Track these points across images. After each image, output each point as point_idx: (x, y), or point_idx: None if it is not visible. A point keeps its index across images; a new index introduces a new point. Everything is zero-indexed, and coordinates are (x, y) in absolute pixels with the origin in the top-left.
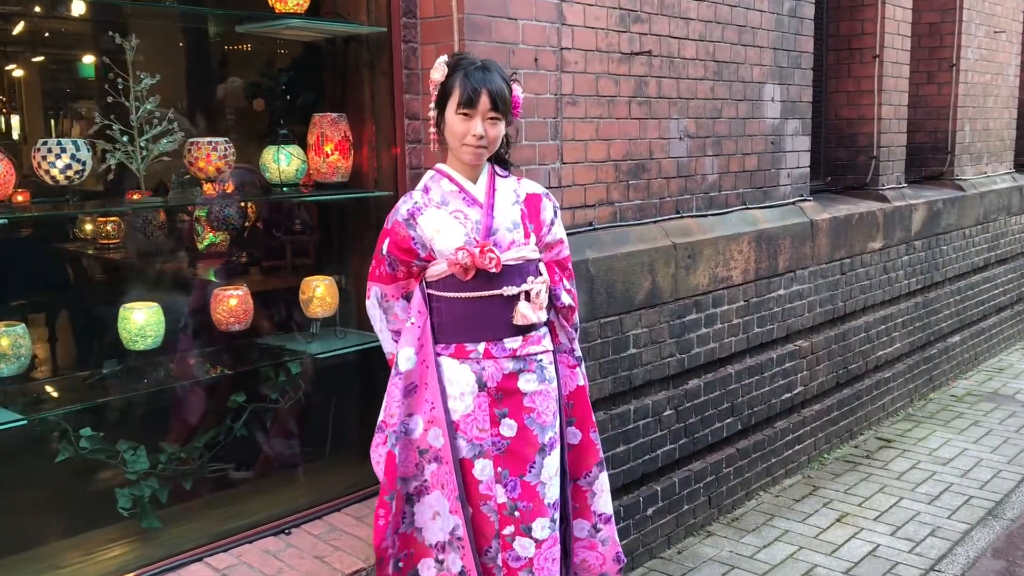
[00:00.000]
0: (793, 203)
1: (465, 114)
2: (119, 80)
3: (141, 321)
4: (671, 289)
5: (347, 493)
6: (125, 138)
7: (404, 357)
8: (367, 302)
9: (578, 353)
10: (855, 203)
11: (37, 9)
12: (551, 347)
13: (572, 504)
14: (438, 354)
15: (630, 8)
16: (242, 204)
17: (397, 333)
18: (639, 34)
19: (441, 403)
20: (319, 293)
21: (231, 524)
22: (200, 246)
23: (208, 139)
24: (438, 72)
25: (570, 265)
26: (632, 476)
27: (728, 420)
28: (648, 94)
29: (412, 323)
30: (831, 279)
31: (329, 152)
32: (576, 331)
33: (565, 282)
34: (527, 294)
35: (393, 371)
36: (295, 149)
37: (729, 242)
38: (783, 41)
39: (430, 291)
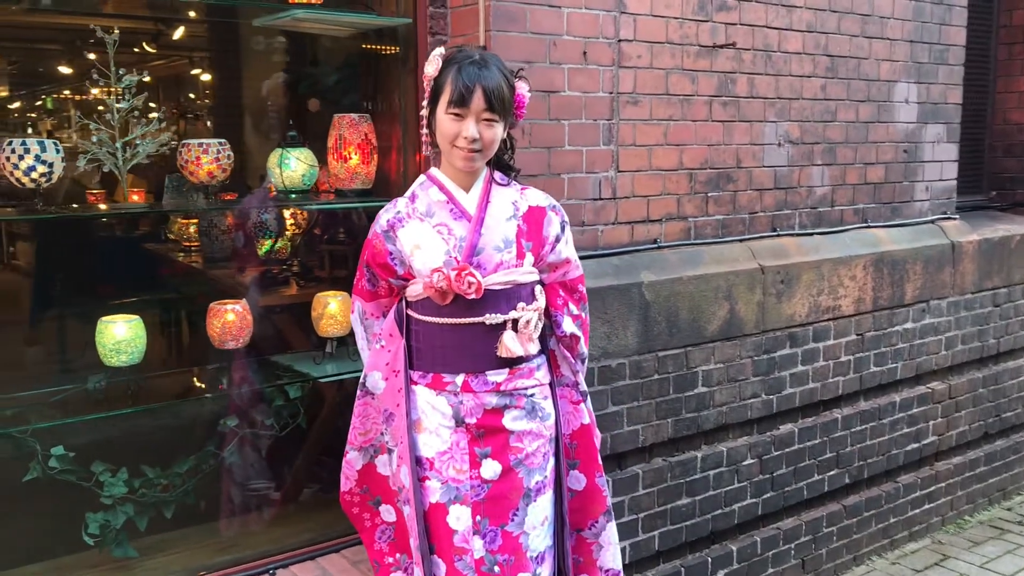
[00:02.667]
0: (931, 221)
1: (456, 114)
2: (100, 78)
3: (120, 335)
4: (756, 319)
5: (347, 534)
6: (95, 138)
7: (372, 381)
8: (351, 316)
9: (583, 388)
10: (1020, 223)
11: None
12: (547, 380)
13: (574, 557)
14: (413, 382)
15: None
16: (283, 211)
17: None
18: (724, 24)
19: (407, 438)
20: (331, 310)
21: (213, 559)
22: (260, 252)
23: (199, 141)
24: (431, 66)
25: (581, 288)
26: (698, 533)
27: (832, 472)
28: (736, 93)
29: (381, 346)
30: (979, 312)
31: (348, 156)
32: (582, 363)
33: (571, 306)
34: (514, 323)
35: (360, 390)
36: (303, 153)
37: (837, 266)
38: (923, 33)
39: (409, 312)
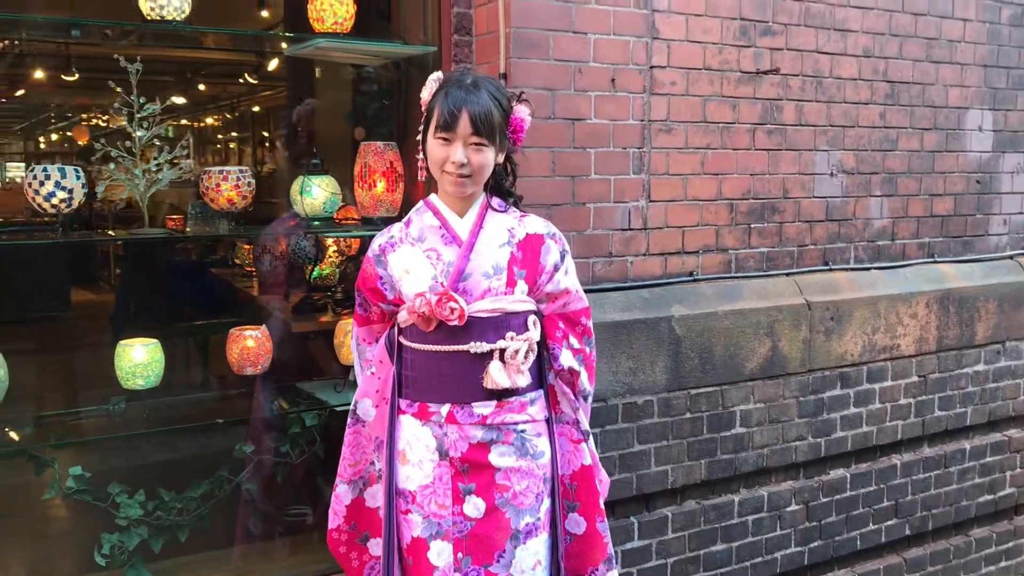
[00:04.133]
0: (1010, 257)
1: (444, 138)
2: (124, 108)
3: (137, 359)
4: (802, 357)
5: None
6: (112, 166)
7: (363, 408)
8: (351, 341)
9: (584, 426)
10: None
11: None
12: (542, 416)
13: None
14: (401, 411)
15: (756, 19)
16: (319, 237)
17: None
18: (769, 49)
19: (388, 467)
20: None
21: None
22: (308, 278)
23: (219, 168)
24: (426, 90)
25: (584, 320)
26: None
27: (890, 522)
28: (782, 121)
29: (372, 372)
30: None
31: (373, 184)
32: (585, 400)
33: (572, 340)
34: (501, 353)
35: (350, 418)
36: (325, 180)
37: (896, 302)
38: (999, 56)
39: (400, 339)
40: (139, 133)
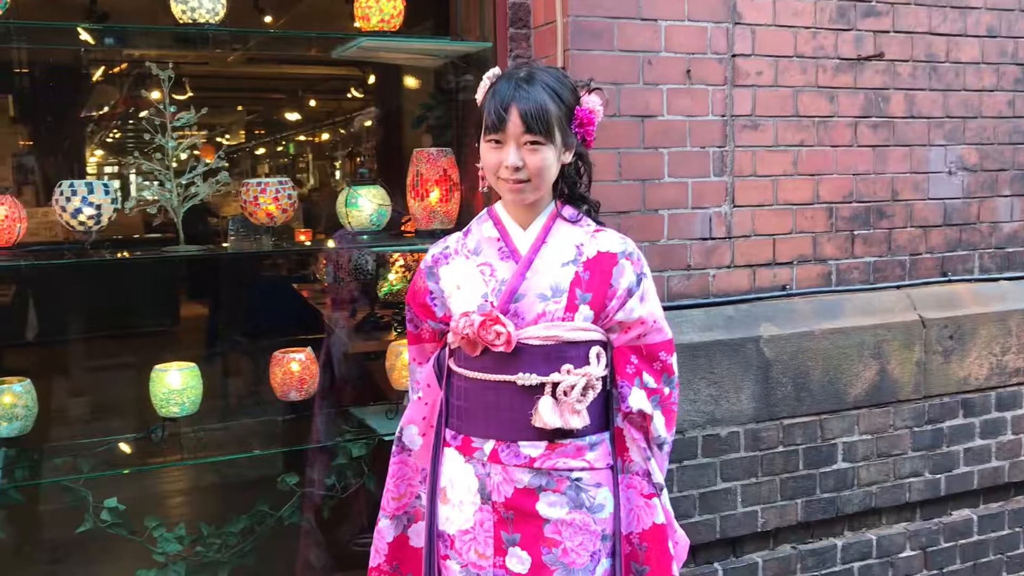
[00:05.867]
0: None
1: (495, 141)
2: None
3: (173, 385)
4: (915, 382)
5: None
6: (143, 179)
7: (408, 435)
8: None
9: (657, 479)
10: None
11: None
12: (604, 464)
13: None
14: (446, 443)
15: None
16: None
17: None
18: (872, 32)
19: (429, 504)
20: (404, 360)
21: None
22: (380, 293)
23: (258, 180)
24: (481, 91)
25: (664, 356)
26: None
27: None
28: (889, 113)
29: (419, 397)
30: None
31: (425, 193)
32: (660, 449)
33: (646, 377)
34: (554, 388)
35: (395, 446)
36: (372, 191)
37: None
38: None
39: (449, 362)
40: (170, 144)
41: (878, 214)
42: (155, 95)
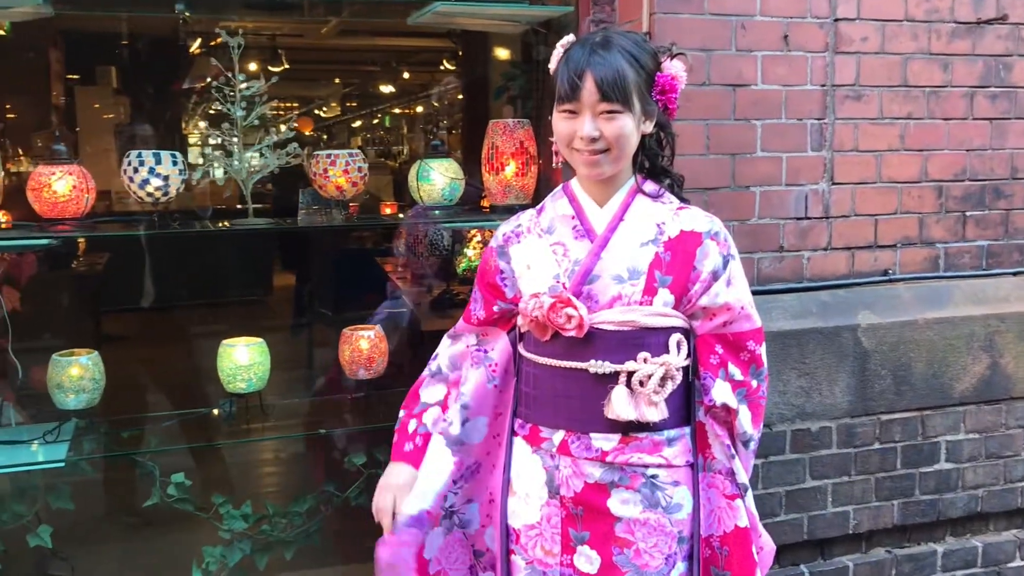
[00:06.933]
0: None
1: (569, 110)
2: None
3: (241, 361)
4: None
5: None
6: (207, 151)
7: (471, 427)
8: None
9: (741, 479)
10: None
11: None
12: (684, 461)
13: None
14: (514, 432)
15: None
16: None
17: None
18: None
19: (500, 497)
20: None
21: None
22: (459, 269)
23: (328, 152)
24: (553, 59)
25: (754, 346)
26: None
27: None
28: (1012, 82)
29: (495, 385)
30: None
31: (501, 167)
32: (744, 446)
33: (732, 369)
34: (629, 377)
35: (440, 425)
36: (446, 164)
37: None
38: None
39: (520, 347)
40: (239, 113)
41: (994, 193)
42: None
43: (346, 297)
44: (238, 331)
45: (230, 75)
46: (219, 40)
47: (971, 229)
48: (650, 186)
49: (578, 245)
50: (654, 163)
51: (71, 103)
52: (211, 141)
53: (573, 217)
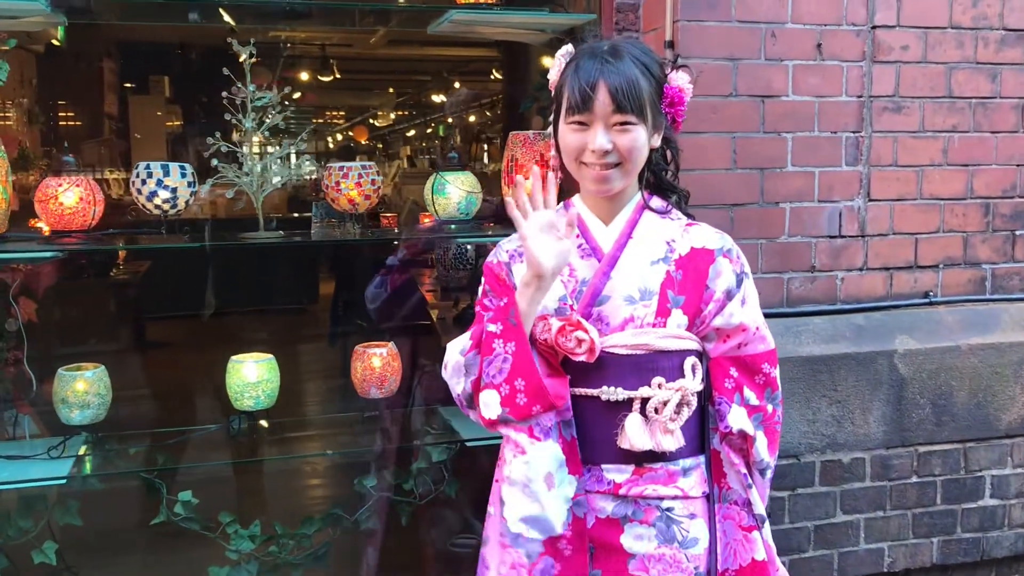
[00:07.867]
0: None
1: (579, 122)
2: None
3: (249, 377)
4: None
5: None
6: (218, 162)
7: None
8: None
9: (759, 510)
10: None
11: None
12: (699, 492)
13: None
14: None
15: None
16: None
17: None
18: None
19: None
20: None
21: None
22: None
23: (340, 164)
24: (554, 68)
25: (768, 368)
26: None
27: None
28: None
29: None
30: None
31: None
32: (761, 474)
33: (747, 393)
34: (643, 404)
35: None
36: (460, 178)
37: None
38: None
39: None
40: (248, 125)
41: None
42: (304, 76)
43: (383, 312)
44: (268, 344)
45: (239, 85)
46: (240, 51)
47: (1020, 249)
48: (657, 202)
49: (584, 264)
50: (660, 178)
51: (124, 112)
52: (222, 150)
53: (577, 236)
